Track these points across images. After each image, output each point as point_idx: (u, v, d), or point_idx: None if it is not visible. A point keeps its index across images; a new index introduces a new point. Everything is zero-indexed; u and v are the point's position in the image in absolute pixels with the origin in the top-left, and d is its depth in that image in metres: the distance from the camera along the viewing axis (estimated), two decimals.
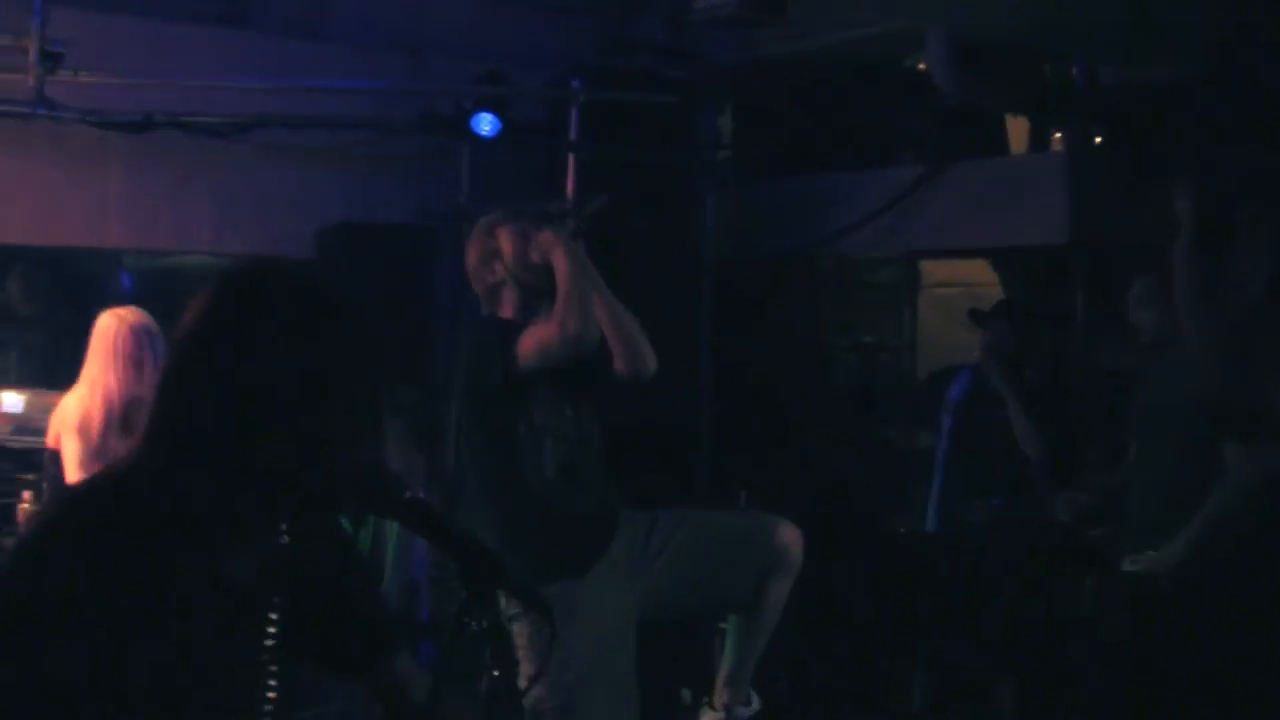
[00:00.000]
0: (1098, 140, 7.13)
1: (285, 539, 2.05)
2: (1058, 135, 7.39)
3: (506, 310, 4.42)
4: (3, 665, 1.83)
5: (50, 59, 6.02)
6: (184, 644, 1.91)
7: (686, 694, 5.73)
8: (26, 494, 5.67)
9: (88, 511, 1.91)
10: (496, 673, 5.54)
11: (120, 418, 5.04)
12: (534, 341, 4.16)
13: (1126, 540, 5.31)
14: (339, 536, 2.27)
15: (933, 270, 9.03)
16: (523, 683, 4.33)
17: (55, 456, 5.12)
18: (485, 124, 6.73)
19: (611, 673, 4.21)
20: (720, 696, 4.68)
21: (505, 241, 4.40)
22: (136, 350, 5.06)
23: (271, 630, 2.02)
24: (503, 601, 4.24)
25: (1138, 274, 5.34)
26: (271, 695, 2.03)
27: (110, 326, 5.12)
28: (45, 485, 5.39)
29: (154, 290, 7.28)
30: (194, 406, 1.89)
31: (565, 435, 4.33)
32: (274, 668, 2.03)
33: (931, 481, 6.73)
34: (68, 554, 1.86)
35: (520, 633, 4.24)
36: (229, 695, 2.00)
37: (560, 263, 4.21)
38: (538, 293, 4.34)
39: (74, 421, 5.02)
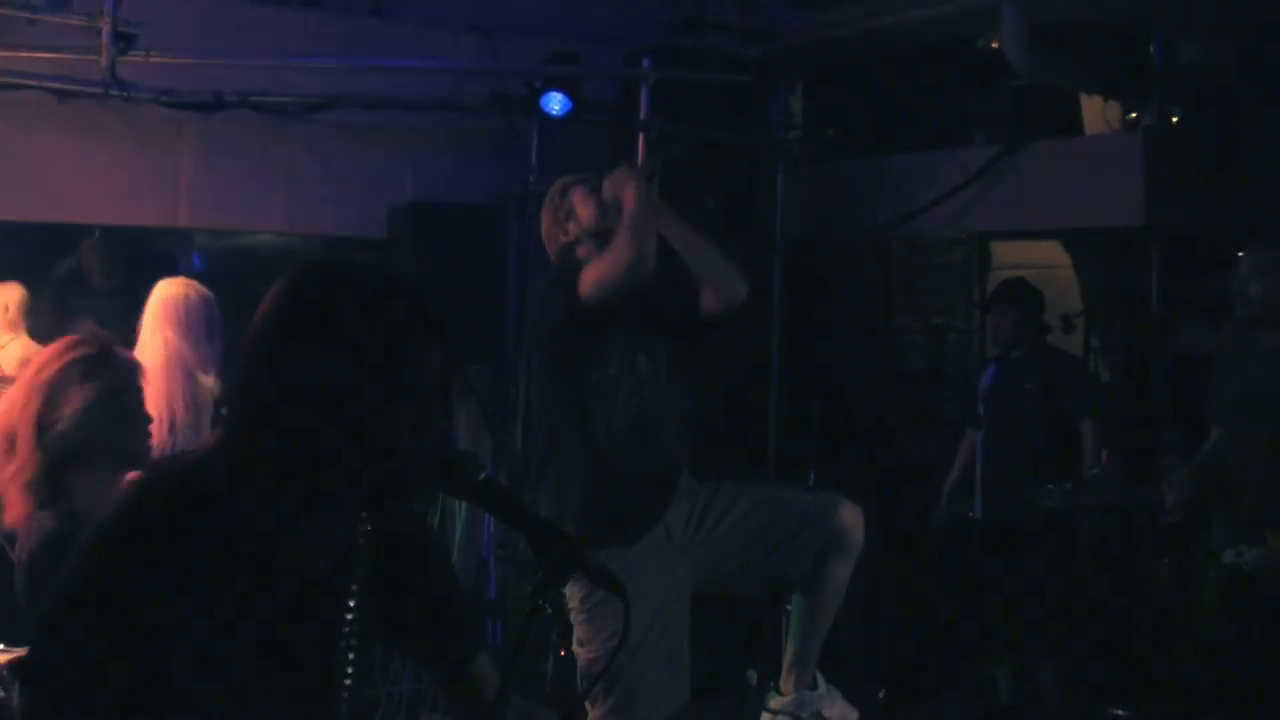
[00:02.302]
0: (1175, 120, 7.01)
1: (363, 526, 2.06)
2: (1133, 115, 7.28)
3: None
4: (80, 654, 1.85)
5: (123, 39, 6.05)
6: (261, 631, 1.94)
7: (752, 675, 5.71)
8: None
9: (161, 501, 1.92)
10: (564, 652, 5.55)
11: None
12: (591, 273, 4.12)
13: (1223, 530, 5.22)
14: (419, 527, 2.27)
15: (1004, 252, 8.94)
16: (576, 648, 4.31)
17: None
18: (555, 103, 6.72)
19: (662, 642, 4.17)
20: (786, 681, 4.65)
21: (579, 201, 4.38)
22: (198, 315, 5.10)
23: (349, 616, 2.04)
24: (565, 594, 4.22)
25: (1248, 246, 5.24)
26: (347, 681, 2.05)
27: (176, 293, 5.16)
28: None
29: (225, 269, 7.34)
30: (268, 400, 1.89)
31: (638, 388, 4.27)
32: (351, 654, 2.05)
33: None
34: (141, 543, 1.88)
35: (573, 596, 4.21)
36: (306, 679, 2.02)
37: (628, 198, 4.18)
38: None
39: None
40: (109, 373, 3.31)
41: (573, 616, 4.26)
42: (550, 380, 4.35)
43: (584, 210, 4.37)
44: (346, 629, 2.04)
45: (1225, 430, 5.36)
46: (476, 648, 2.31)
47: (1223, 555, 5.13)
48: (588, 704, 4.18)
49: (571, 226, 4.39)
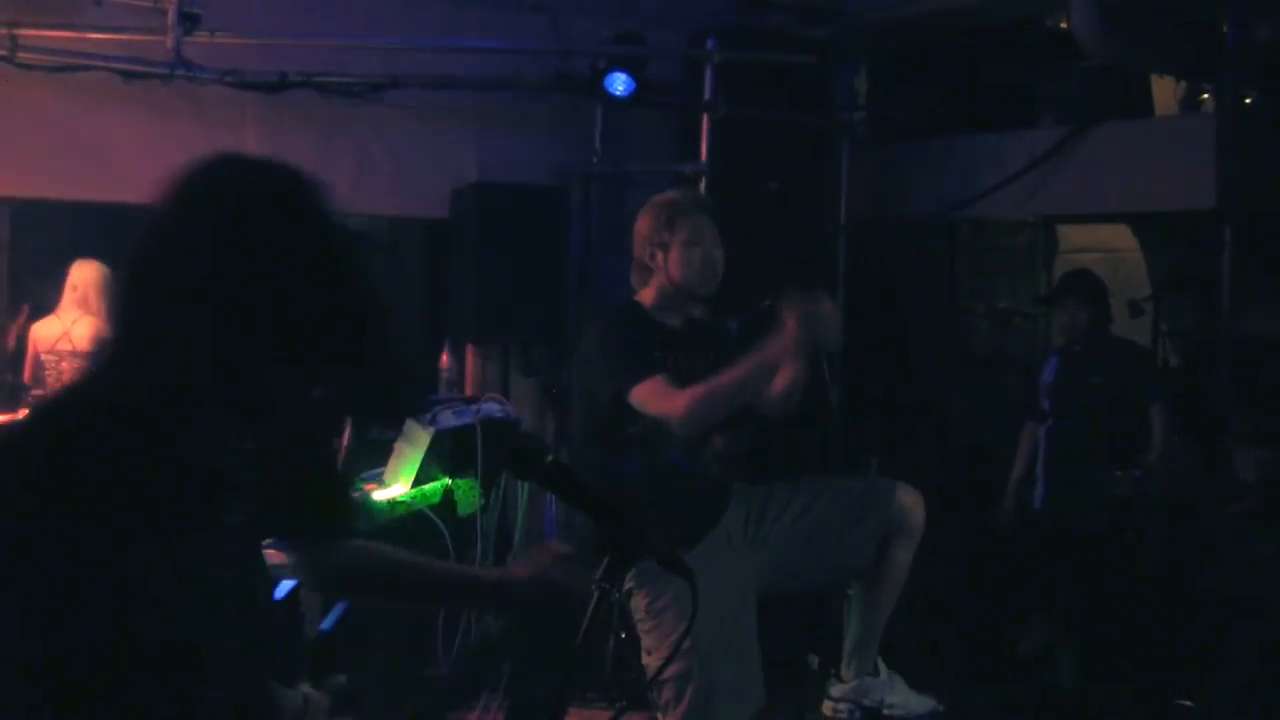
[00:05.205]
0: (1248, 101, 6.89)
1: (253, 426, 2.10)
2: (1205, 96, 7.16)
3: (648, 295, 4.33)
4: None
5: (188, 20, 6.08)
6: (157, 532, 1.97)
7: (814, 659, 5.68)
8: None
9: (59, 416, 1.98)
10: (624, 635, 5.54)
11: None
12: (647, 398, 4.04)
13: None
14: (305, 426, 2.32)
15: (1071, 235, 8.85)
16: (644, 657, 4.29)
17: None
18: (619, 84, 6.69)
19: (732, 641, 4.15)
20: (848, 668, 4.63)
21: (678, 242, 4.27)
22: None
23: (236, 510, 2.07)
24: None
25: None
26: (236, 574, 2.09)
27: None
28: None
29: None
30: (161, 306, 1.94)
31: (675, 439, 4.21)
32: (241, 546, 2.09)
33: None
34: (41, 463, 1.91)
35: (638, 606, 4.19)
36: (201, 577, 2.04)
37: (748, 361, 4.03)
38: (687, 296, 4.28)
39: None
40: None
41: (639, 627, 4.23)
42: (589, 425, 4.30)
43: (677, 260, 4.25)
44: (235, 520, 2.07)
45: None
46: (353, 527, 2.40)
47: None
48: (659, 714, 4.16)
49: (660, 257, 4.29)
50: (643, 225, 4.33)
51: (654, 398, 4.02)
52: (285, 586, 3.34)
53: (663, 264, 4.28)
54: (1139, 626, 6.04)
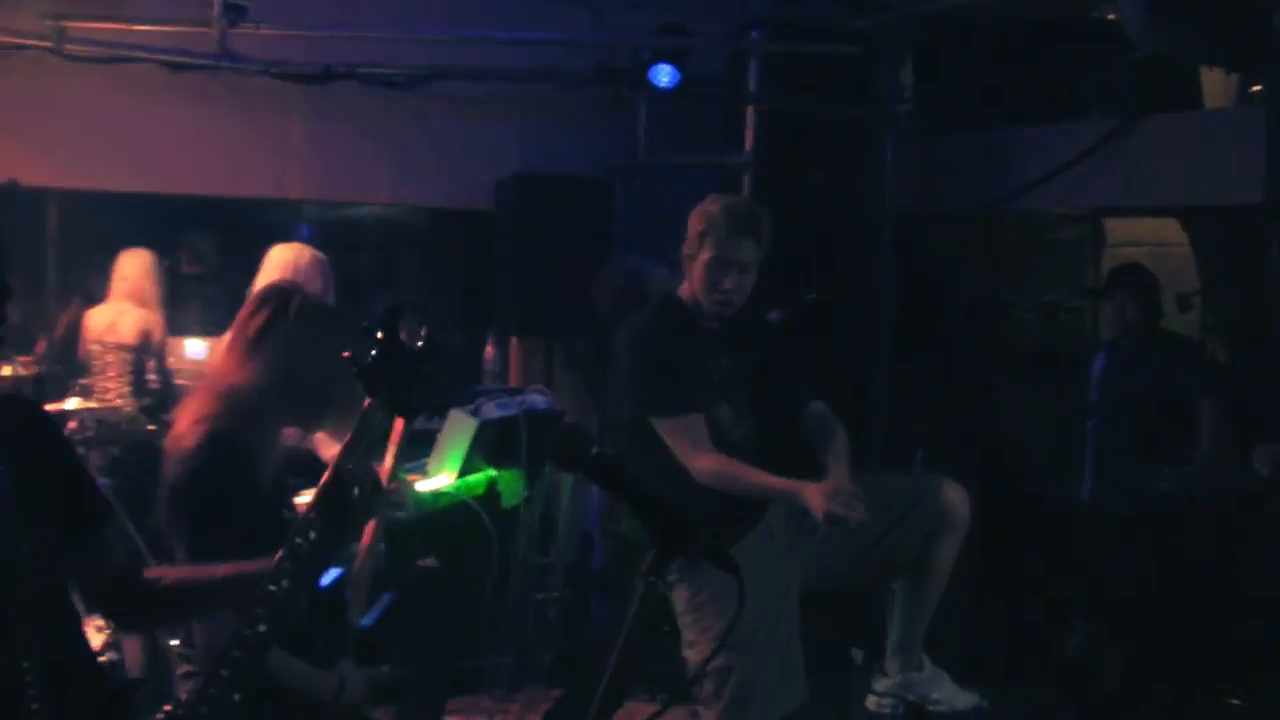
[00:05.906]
0: None
1: None
2: (1258, 87, 7.08)
3: (686, 287, 4.31)
4: None
5: (233, 12, 6.12)
6: None
7: (858, 654, 5.66)
8: None
9: None
10: (666, 628, 5.53)
11: None
12: (671, 437, 4.10)
13: None
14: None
15: (1118, 229, 8.77)
16: (686, 651, 4.28)
17: None
18: (663, 75, 6.68)
19: (773, 636, 4.13)
20: (892, 662, 4.60)
21: (704, 260, 4.25)
22: (310, 275, 5.14)
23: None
24: None
25: None
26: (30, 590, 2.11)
27: (289, 257, 5.19)
28: None
29: (332, 240, 7.39)
30: None
31: (721, 436, 4.21)
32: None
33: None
34: None
35: (680, 599, 4.18)
36: None
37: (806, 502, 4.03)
38: (726, 305, 4.26)
39: None
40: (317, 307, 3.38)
41: (680, 620, 4.22)
42: (631, 423, 4.29)
43: (701, 277, 4.24)
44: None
45: None
46: (108, 517, 2.44)
47: None
48: (700, 707, 4.15)
49: (705, 252, 4.25)
50: (691, 223, 4.31)
51: (678, 441, 4.10)
52: (331, 574, 3.35)
53: (689, 271, 4.28)
54: (1187, 624, 5.99)
